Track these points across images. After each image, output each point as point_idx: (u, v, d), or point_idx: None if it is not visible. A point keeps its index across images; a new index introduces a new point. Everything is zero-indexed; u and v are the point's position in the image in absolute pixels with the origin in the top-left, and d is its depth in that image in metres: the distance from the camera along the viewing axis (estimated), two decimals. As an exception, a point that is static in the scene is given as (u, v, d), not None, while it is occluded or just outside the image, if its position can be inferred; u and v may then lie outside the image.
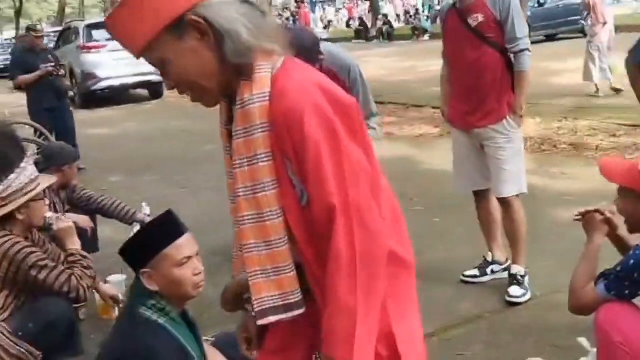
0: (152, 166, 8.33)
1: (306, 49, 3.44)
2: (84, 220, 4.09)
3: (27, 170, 3.21)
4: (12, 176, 3.14)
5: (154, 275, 2.32)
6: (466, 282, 4.30)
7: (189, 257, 2.36)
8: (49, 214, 3.49)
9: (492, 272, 4.32)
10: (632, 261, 2.53)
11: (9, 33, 58.55)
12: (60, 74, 8.03)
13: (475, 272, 4.33)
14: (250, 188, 1.62)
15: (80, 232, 3.91)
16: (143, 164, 8.47)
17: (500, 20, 3.83)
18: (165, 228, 2.35)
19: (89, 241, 4.10)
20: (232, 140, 1.65)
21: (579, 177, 6.33)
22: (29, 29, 8.57)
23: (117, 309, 3.97)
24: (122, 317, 2.56)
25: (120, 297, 3.93)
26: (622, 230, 2.80)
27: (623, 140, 7.33)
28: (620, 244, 2.86)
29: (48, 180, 3.48)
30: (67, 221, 3.39)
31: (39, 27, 8.90)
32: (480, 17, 3.86)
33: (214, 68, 1.59)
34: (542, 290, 4.15)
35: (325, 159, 1.55)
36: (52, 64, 7.93)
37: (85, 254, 3.28)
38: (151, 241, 2.34)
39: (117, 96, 14.98)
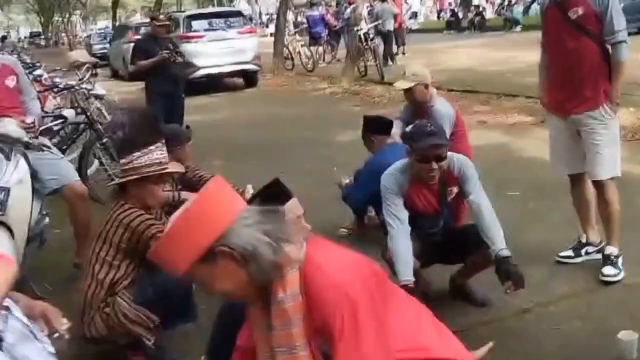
0: (250, 151, 8.67)
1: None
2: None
3: (153, 153, 3.38)
4: (137, 153, 3.36)
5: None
6: (561, 263, 4.46)
7: (300, 217, 2.64)
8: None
9: (587, 253, 4.47)
10: None
11: (103, 23, 61.14)
12: (177, 60, 8.26)
13: (570, 252, 4.49)
14: None
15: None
16: (241, 149, 8.83)
17: (600, 13, 4.01)
18: (276, 193, 2.65)
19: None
20: (267, 335, 1.93)
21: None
22: (152, 18, 8.90)
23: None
24: None
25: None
26: None
27: None
28: None
29: (174, 166, 3.66)
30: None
31: (161, 16, 9.17)
32: (580, 10, 4.05)
33: (246, 281, 1.85)
34: (635, 272, 4.27)
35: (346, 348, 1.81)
36: (168, 51, 8.14)
37: None
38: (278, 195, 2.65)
39: (214, 84, 15.54)
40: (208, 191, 1.89)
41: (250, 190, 4.75)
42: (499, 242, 3.61)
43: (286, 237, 1.88)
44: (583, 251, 4.47)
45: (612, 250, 4.24)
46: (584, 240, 4.49)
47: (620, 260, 4.23)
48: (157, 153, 3.41)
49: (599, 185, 4.24)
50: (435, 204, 3.87)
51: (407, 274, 3.57)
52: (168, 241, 1.83)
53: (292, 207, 2.65)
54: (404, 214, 3.75)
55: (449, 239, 3.93)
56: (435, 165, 3.61)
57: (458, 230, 3.98)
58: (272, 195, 2.69)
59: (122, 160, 3.42)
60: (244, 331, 2.19)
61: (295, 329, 1.89)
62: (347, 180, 5.41)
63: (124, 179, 3.40)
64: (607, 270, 4.18)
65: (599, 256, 4.39)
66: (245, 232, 1.82)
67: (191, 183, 4.58)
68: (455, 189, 3.83)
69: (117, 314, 3.27)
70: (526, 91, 10.31)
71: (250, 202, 2.76)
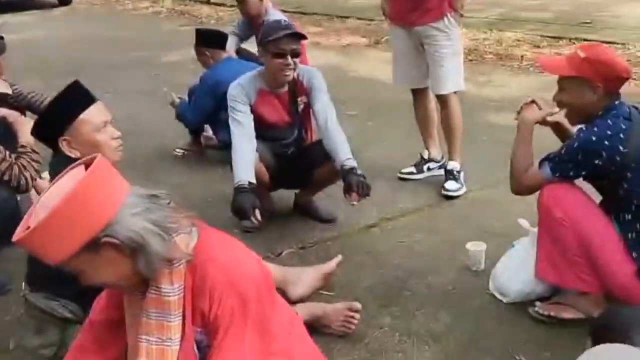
0: (71, 71, 7.91)
1: None
2: (12, 115, 3.90)
3: None
4: None
5: (73, 142, 2.37)
6: (403, 179, 4.42)
7: (106, 122, 2.44)
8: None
9: (429, 169, 4.46)
10: (576, 144, 2.67)
11: None
12: None
13: (412, 169, 4.46)
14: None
15: (10, 127, 3.79)
16: (61, 70, 8.06)
17: None
18: (77, 95, 2.42)
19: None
20: (137, 320, 1.74)
21: (505, 85, 6.58)
22: None
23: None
24: None
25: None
26: (563, 119, 2.93)
27: (546, 52, 7.57)
28: (562, 133, 3.00)
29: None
30: (15, 113, 3.24)
31: None
32: None
33: (131, 272, 1.66)
34: (476, 186, 4.33)
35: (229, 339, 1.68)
36: None
37: (35, 148, 3.16)
38: (68, 108, 2.39)
39: (21, 3, 14.12)
40: (92, 174, 1.59)
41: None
42: (344, 153, 3.48)
43: (175, 226, 1.67)
44: (425, 167, 4.46)
45: (454, 165, 4.24)
46: (426, 157, 4.47)
47: (462, 175, 4.25)
48: None
49: (442, 99, 4.20)
50: (286, 114, 3.70)
51: (245, 175, 3.40)
52: (44, 229, 1.55)
53: (98, 111, 2.44)
54: (249, 121, 3.57)
55: (299, 154, 3.75)
56: (290, 60, 3.46)
57: (307, 145, 3.82)
58: (73, 99, 2.43)
59: None
60: (99, 304, 1.94)
61: (173, 323, 1.71)
62: (180, 99, 5.01)
63: None
64: (450, 185, 4.18)
65: (441, 172, 4.40)
66: (132, 221, 1.60)
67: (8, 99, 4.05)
68: (304, 99, 3.67)
69: None
70: (358, 13, 10.30)
71: (51, 106, 2.46)
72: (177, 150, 4.96)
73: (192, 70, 7.09)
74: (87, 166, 1.63)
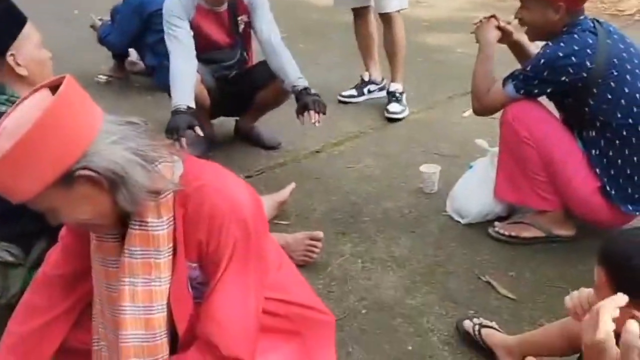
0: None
1: None
2: None
3: None
4: None
5: (19, 58, 2.14)
6: (344, 102, 4.29)
7: (41, 41, 2.23)
8: None
9: (369, 91, 4.34)
10: (542, 60, 2.59)
11: None
12: None
13: (353, 92, 4.32)
14: (143, 308, 1.53)
15: None
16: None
17: None
18: (13, 12, 2.19)
19: None
20: (111, 267, 1.55)
21: (436, 6, 6.48)
22: None
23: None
24: None
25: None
26: (522, 37, 2.86)
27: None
28: (519, 51, 2.92)
29: None
30: None
31: None
32: None
33: (109, 208, 1.44)
34: (417, 107, 4.25)
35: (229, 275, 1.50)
36: None
37: None
38: (9, 23, 2.15)
39: None
40: (62, 96, 1.33)
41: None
42: (293, 72, 3.31)
43: (156, 155, 1.44)
44: (366, 89, 4.33)
45: (397, 87, 4.13)
46: (366, 79, 4.34)
47: (404, 97, 4.16)
48: None
49: (386, 18, 4.04)
50: (226, 34, 3.46)
51: (183, 99, 3.14)
52: (10, 161, 1.30)
53: (34, 29, 2.20)
54: (189, 38, 3.30)
55: (241, 77, 3.54)
56: None
57: (249, 67, 3.60)
58: (11, 15, 2.17)
59: None
60: (52, 257, 1.73)
61: (162, 260, 1.50)
62: (101, 21, 4.63)
63: None
64: (393, 107, 4.08)
65: (382, 94, 4.30)
66: (110, 150, 1.37)
67: None
68: (245, 19, 3.43)
69: None
70: None
71: None
72: (101, 76, 4.63)
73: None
74: (52, 90, 1.40)
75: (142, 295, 1.52)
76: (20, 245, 2.17)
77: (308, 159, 3.64)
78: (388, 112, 4.07)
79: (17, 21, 2.15)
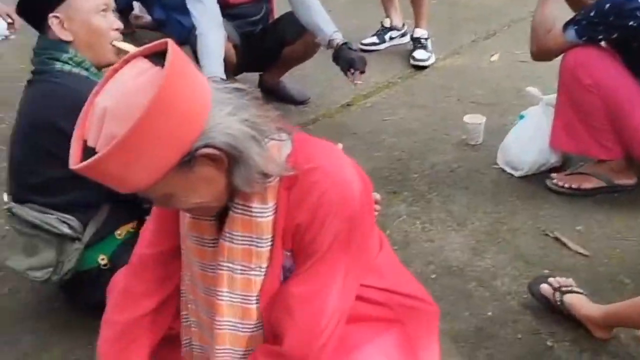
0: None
1: None
2: None
3: None
4: None
5: (66, 21, 1.93)
6: (366, 51, 4.08)
7: (107, 6, 1.99)
8: None
9: (391, 38, 4.14)
10: (608, 4, 2.41)
11: None
12: None
13: (374, 39, 4.13)
14: (240, 297, 1.40)
15: None
16: None
17: None
18: None
19: None
20: (208, 247, 1.40)
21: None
22: None
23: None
24: (31, 83, 2.02)
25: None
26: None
27: None
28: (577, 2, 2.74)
29: None
30: None
31: None
32: None
33: (224, 189, 1.29)
34: (442, 53, 4.07)
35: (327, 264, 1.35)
36: None
37: None
38: None
39: None
40: (173, 70, 1.12)
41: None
42: (329, 26, 3.10)
43: (267, 129, 1.26)
44: (387, 36, 4.13)
45: (422, 32, 3.95)
46: (387, 25, 4.13)
47: (429, 42, 3.97)
48: None
49: (409, -41, 3.82)
50: None
51: (214, 70, 2.93)
52: (123, 150, 1.11)
53: None
54: (213, 3, 3.04)
55: (267, 31, 3.33)
56: None
57: (274, 21, 3.40)
58: None
59: None
60: (145, 236, 1.53)
61: (263, 248, 1.35)
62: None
63: None
64: (419, 54, 3.90)
65: (404, 40, 4.11)
66: (227, 123, 1.19)
67: None
68: None
69: None
70: None
71: None
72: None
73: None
74: (145, 55, 1.21)
75: (241, 283, 1.38)
76: (78, 216, 1.99)
77: (340, 113, 3.47)
78: (414, 59, 3.89)
79: None
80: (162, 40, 1.19)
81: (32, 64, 2.03)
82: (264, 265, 1.37)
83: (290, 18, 3.25)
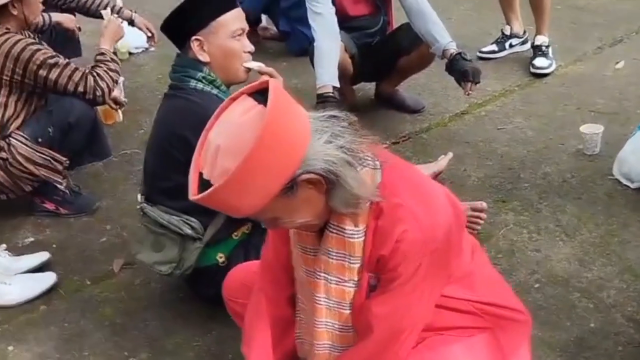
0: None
1: None
2: (69, 20, 3.59)
3: None
4: None
5: (205, 44, 2.14)
6: (484, 59, 4.09)
7: (243, 31, 2.18)
8: (104, 11, 3.11)
9: (511, 46, 4.12)
10: None
11: None
12: None
13: (494, 47, 4.13)
14: (336, 303, 1.55)
15: (66, 33, 3.49)
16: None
17: None
18: None
19: (72, 44, 3.66)
20: (311, 256, 1.55)
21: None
22: None
23: (120, 112, 3.66)
24: (168, 97, 2.26)
25: (122, 99, 3.60)
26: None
27: None
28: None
29: None
30: (70, 16, 2.95)
31: None
32: None
33: (324, 208, 1.44)
34: (564, 60, 4.01)
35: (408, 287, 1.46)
36: None
37: (115, 57, 2.88)
38: (206, 6, 2.14)
39: None
40: (276, 109, 1.29)
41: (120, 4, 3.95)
42: (443, 35, 3.16)
43: (362, 155, 1.40)
44: (507, 44, 4.12)
45: (543, 39, 3.91)
46: (507, 32, 4.12)
47: (551, 50, 3.92)
48: None
49: (530, -34, 3.80)
50: (367, 3, 3.38)
51: (327, 78, 3.10)
52: (235, 183, 1.29)
53: (237, 17, 2.16)
54: (332, 14, 3.20)
55: (384, 43, 3.45)
56: None
57: (390, 33, 3.50)
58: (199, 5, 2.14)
59: None
60: (269, 240, 1.71)
61: (354, 265, 1.49)
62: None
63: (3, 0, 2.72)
64: (540, 62, 3.87)
65: (524, 48, 4.09)
66: (325, 151, 1.35)
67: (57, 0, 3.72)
68: None
69: (17, 157, 2.79)
70: None
71: (189, 1, 2.15)
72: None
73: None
74: (250, 95, 1.37)
75: (336, 292, 1.53)
76: (200, 219, 2.20)
77: (454, 121, 3.52)
78: (534, 67, 3.86)
79: (221, 4, 2.14)
80: (264, 79, 1.36)
81: (170, 78, 2.26)
82: (356, 279, 1.51)
83: (406, 28, 3.34)
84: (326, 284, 1.52)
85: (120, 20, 3.19)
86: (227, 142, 1.31)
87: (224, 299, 1.92)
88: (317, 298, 1.54)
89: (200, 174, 1.35)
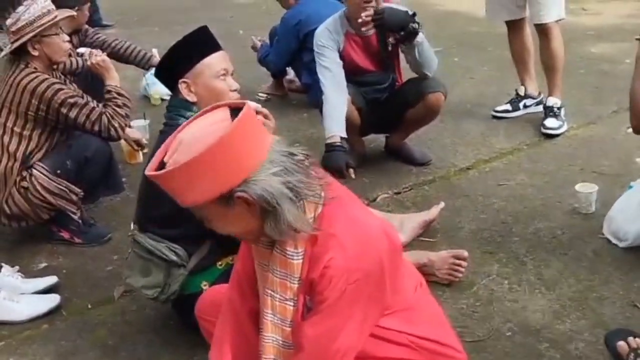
0: (148, 17, 7.95)
1: None
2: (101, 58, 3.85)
3: (36, 3, 3.00)
4: (21, 9, 3.00)
5: (192, 86, 2.32)
6: (498, 118, 4.21)
7: (226, 71, 2.35)
8: (82, 49, 3.33)
9: (525, 106, 4.23)
10: None
11: None
12: None
13: (507, 107, 4.24)
14: (279, 319, 1.68)
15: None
16: (138, 16, 8.09)
17: None
18: (203, 39, 2.35)
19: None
20: (264, 272, 1.69)
21: (599, 13, 6.20)
22: None
23: (141, 153, 3.88)
24: (162, 133, 2.44)
25: (145, 141, 3.83)
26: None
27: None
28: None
29: (65, 12, 3.22)
30: (101, 54, 3.19)
31: None
32: None
33: (257, 229, 1.60)
34: (577, 122, 4.09)
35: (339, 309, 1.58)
36: None
37: (122, 91, 3.11)
38: (191, 51, 2.33)
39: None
40: (241, 123, 1.48)
41: (156, 55, 4.22)
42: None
43: (307, 193, 1.56)
44: (521, 104, 4.23)
45: (554, 101, 4.00)
46: (522, 93, 4.23)
47: (562, 111, 4.01)
48: (40, 2, 3.02)
49: (542, 29, 3.92)
50: (376, 60, 3.54)
51: (336, 129, 3.28)
52: (184, 172, 1.48)
53: (221, 59, 2.34)
54: (339, 69, 3.39)
55: (392, 96, 3.60)
56: None
57: (399, 86, 3.66)
58: (198, 42, 2.34)
59: (8, 22, 3.03)
60: (240, 254, 1.87)
61: (294, 284, 1.64)
62: (261, 42, 4.88)
63: (20, 41, 2.99)
64: (550, 122, 3.96)
65: (539, 109, 4.18)
66: (270, 181, 1.51)
67: (92, 47, 4.00)
68: (392, 40, 3.47)
69: (36, 187, 3.02)
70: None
71: (175, 48, 2.35)
72: (261, 94, 4.86)
73: (266, 11, 6.94)
74: (230, 108, 1.56)
75: (280, 308, 1.66)
76: (185, 247, 2.35)
77: (458, 175, 3.62)
78: (544, 127, 3.95)
79: (203, 49, 2.31)
80: (244, 101, 1.56)
81: (164, 117, 2.46)
82: (296, 298, 1.64)
83: (412, 83, 3.50)
84: (272, 300, 1.66)
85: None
86: (189, 140, 1.50)
87: (196, 317, 2.07)
88: (265, 313, 1.69)
89: (163, 159, 1.54)
